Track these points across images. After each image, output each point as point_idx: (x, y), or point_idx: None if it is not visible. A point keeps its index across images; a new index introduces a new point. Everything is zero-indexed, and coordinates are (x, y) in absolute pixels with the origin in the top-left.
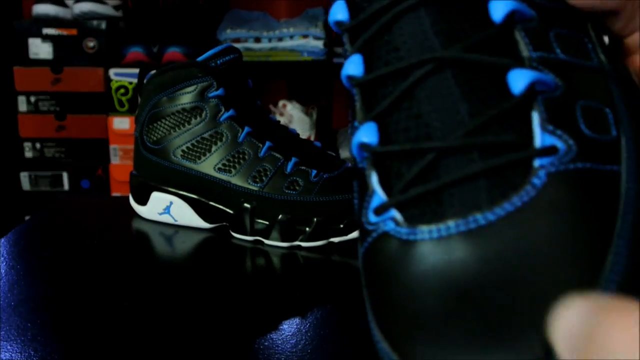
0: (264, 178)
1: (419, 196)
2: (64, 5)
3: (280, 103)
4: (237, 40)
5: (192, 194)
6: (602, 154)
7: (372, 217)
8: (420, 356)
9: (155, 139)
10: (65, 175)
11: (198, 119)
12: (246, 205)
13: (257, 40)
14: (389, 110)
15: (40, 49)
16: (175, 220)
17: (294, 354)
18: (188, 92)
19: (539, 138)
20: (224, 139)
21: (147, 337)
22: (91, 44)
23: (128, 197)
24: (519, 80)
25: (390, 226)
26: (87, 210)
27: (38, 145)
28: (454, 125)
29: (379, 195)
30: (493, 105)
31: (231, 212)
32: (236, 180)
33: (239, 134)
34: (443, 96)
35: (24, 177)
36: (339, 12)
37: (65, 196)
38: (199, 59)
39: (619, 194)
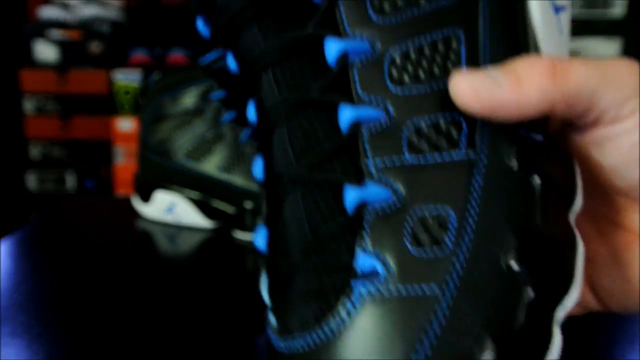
0: None
1: (276, 306)
2: (69, 9)
3: None
4: None
5: (195, 193)
6: (424, 273)
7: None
8: None
9: (158, 139)
10: (69, 176)
11: (200, 120)
12: (248, 204)
13: None
14: (270, 222)
15: (45, 51)
16: (179, 220)
17: None
18: (191, 94)
19: (360, 261)
20: (226, 140)
21: (150, 336)
22: (95, 47)
23: (131, 197)
24: (350, 200)
25: (269, 334)
26: (92, 210)
27: (43, 146)
28: (300, 243)
29: (266, 298)
30: (330, 223)
31: (233, 211)
32: (238, 180)
33: (241, 135)
34: (294, 214)
35: (30, 178)
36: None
37: (70, 196)
38: (202, 61)
39: (430, 320)
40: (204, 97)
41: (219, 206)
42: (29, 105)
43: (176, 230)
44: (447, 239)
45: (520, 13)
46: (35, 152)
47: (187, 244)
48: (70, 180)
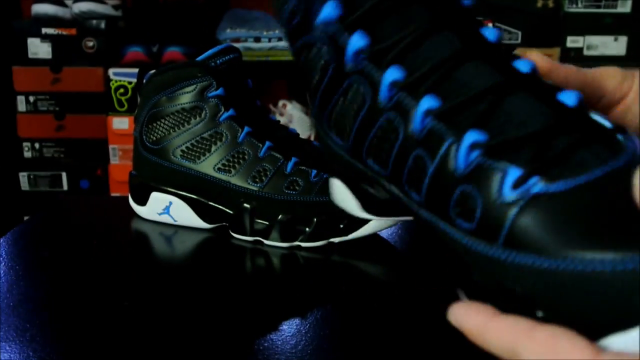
0: (263, 178)
1: (551, 159)
2: (63, 5)
3: (280, 103)
4: (237, 39)
5: (192, 194)
6: None
7: (510, 192)
8: None
9: (154, 138)
10: (64, 176)
11: (198, 118)
12: (246, 205)
13: (257, 40)
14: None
15: (39, 48)
16: (175, 221)
17: (293, 354)
18: (187, 92)
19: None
20: (223, 139)
21: (146, 337)
22: (90, 44)
23: (127, 198)
24: (569, 97)
25: (539, 187)
26: (87, 210)
27: (37, 145)
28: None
29: (515, 172)
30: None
31: (231, 212)
32: (236, 180)
33: (239, 134)
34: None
35: (23, 177)
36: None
37: (65, 196)
38: (199, 58)
39: None
40: (202, 95)
41: (216, 207)
42: (22, 104)
43: (173, 230)
44: None
45: None
46: (28, 151)
47: (184, 244)
48: (65, 180)
